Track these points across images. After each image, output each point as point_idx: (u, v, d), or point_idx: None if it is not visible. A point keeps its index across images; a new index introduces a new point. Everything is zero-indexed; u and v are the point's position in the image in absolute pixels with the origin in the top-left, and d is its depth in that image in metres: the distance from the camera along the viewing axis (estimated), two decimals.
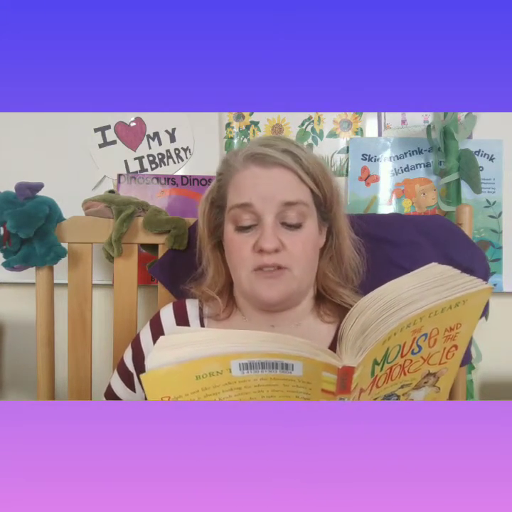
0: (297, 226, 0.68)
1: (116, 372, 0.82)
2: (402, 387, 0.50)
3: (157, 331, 0.79)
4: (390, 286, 0.47)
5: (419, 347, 0.47)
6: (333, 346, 0.72)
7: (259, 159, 0.68)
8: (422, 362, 0.49)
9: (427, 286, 0.47)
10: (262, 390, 0.44)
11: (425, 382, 0.51)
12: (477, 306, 0.49)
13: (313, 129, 1.17)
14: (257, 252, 0.67)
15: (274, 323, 0.74)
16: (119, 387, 0.80)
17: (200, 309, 0.79)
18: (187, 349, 0.42)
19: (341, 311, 0.75)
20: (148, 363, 0.41)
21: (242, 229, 0.69)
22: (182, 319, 0.79)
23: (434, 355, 0.49)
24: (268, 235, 0.66)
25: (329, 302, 0.76)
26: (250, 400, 0.44)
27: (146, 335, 0.79)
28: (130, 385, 0.79)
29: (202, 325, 0.77)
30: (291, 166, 0.68)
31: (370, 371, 0.46)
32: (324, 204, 0.73)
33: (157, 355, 0.42)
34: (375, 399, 0.49)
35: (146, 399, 0.77)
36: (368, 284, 0.79)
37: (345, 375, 0.43)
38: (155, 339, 0.77)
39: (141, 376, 0.41)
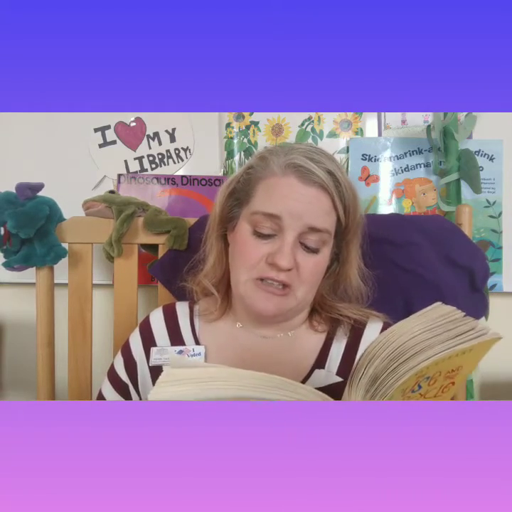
0: (314, 251, 0.67)
1: (107, 381, 0.78)
2: None
3: (147, 336, 0.77)
4: (396, 331, 0.47)
5: (420, 386, 0.47)
6: (322, 354, 0.72)
7: (301, 172, 0.65)
8: (419, 397, 0.49)
9: (434, 331, 0.46)
10: None
11: None
12: (482, 352, 0.48)
13: (313, 129, 1.17)
14: (268, 263, 0.65)
15: (265, 334, 0.73)
16: (113, 397, 0.77)
17: (191, 310, 0.78)
18: (191, 387, 0.41)
19: (334, 319, 0.75)
20: (151, 398, 0.41)
21: (259, 235, 0.67)
22: (172, 322, 0.77)
23: (431, 391, 0.49)
24: (286, 254, 0.64)
25: (321, 310, 0.76)
26: None
27: (136, 341, 0.77)
28: (126, 396, 0.76)
29: (192, 326, 0.76)
30: (330, 190, 0.65)
31: None
32: (342, 232, 0.71)
33: (160, 390, 0.41)
34: None
35: None
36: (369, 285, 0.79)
37: None
38: (145, 345, 0.76)
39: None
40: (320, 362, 0.72)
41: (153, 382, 0.69)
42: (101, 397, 0.78)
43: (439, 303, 0.50)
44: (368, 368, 0.46)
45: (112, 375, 0.78)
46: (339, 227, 0.70)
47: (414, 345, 0.45)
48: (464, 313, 0.49)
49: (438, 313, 0.49)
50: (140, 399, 0.76)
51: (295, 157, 0.66)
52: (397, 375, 0.44)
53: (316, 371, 0.71)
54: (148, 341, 0.76)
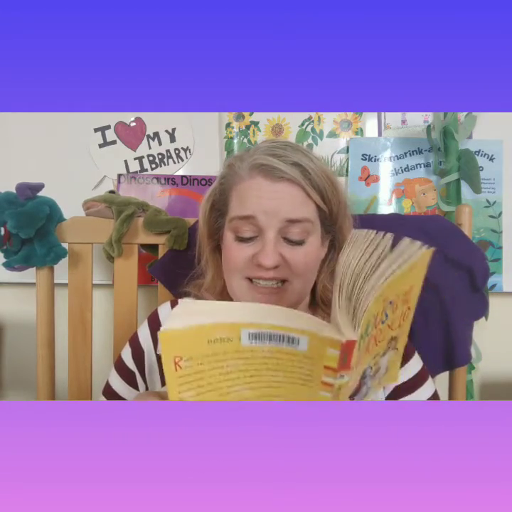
0: (299, 243, 0.67)
1: (114, 371, 0.80)
2: (374, 357, 0.51)
3: (155, 327, 0.78)
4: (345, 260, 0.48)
5: (386, 315, 0.48)
6: None
7: (265, 171, 0.65)
8: (388, 329, 0.50)
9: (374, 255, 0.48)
10: (267, 361, 0.45)
11: (389, 347, 0.52)
12: (422, 268, 0.50)
13: (313, 129, 1.17)
14: (255, 265, 0.66)
15: None
16: (119, 385, 0.79)
17: None
18: (201, 316, 0.44)
19: None
20: (165, 324, 0.44)
21: (242, 239, 0.67)
22: None
23: (395, 320, 0.50)
24: (268, 252, 0.64)
25: (325, 307, 0.76)
26: (255, 370, 0.45)
27: (144, 332, 0.79)
28: (132, 384, 0.78)
29: None
30: (298, 182, 0.65)
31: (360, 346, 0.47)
32: (329, 218, 0.70)
33: (174, 318, 0.44)
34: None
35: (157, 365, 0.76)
36: None
37: (347, 350, 0.44)
38: (153, 335, 0.77)
39: (159, 333, 0.43)
40: None
41: (161, 370, 0.69)
42: (108, 387, 0.80)
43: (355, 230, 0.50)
44: (342, 288, 0.48)
45: (119, 365, 0.79)
46: (323, 214, 0.69)
47: (365, 267, 0.47)
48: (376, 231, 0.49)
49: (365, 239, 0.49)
50: (146, 387, 0.77)
51: (257, 157, 0.67)
52: (366, 290, 0.45)
53: None
54: (157, 331, 0.77)
